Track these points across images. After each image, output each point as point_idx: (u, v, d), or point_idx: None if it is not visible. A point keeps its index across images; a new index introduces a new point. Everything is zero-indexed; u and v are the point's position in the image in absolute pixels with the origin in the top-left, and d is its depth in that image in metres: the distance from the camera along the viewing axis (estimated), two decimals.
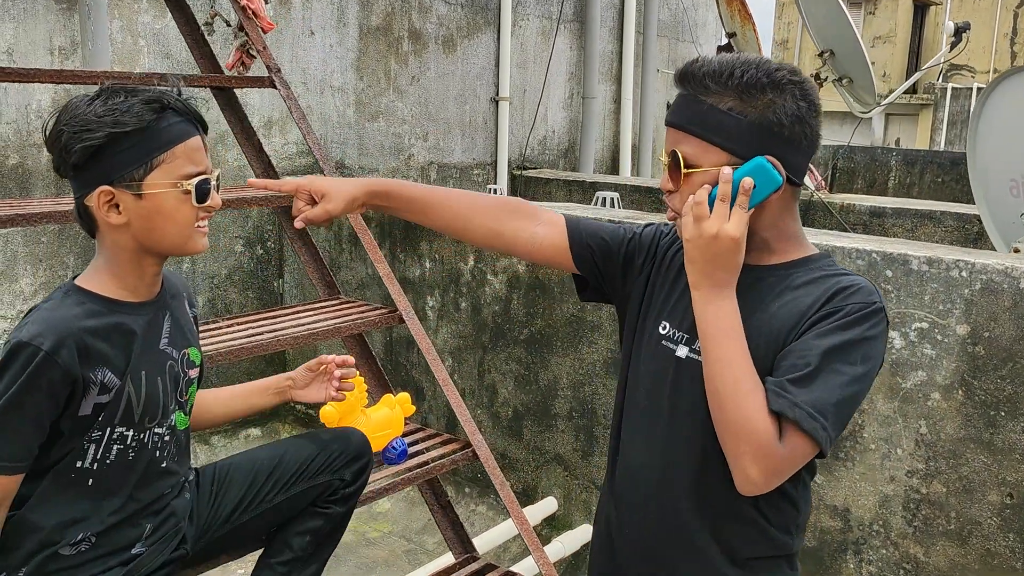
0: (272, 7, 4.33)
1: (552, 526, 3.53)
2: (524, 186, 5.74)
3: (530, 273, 3.50)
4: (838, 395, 1.22)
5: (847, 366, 1.23)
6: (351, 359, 1.83)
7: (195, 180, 1.42)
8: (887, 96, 5.30)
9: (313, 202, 1.48)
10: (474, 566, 2.30)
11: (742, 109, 1.26)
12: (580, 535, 3.31)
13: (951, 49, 4.54)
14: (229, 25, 2.82)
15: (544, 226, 1.53)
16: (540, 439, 3.57)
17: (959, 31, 4.49)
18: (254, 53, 2.76)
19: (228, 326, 2.32)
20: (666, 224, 1.52)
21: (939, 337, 2.55)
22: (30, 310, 1.43)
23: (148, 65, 3.87)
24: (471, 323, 3.73)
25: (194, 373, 1.58)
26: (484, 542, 3.04)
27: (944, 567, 2.60)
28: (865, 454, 2.73)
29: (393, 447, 2.23)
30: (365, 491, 2.08)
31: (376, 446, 2.21)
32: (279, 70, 2.68)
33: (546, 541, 3.31)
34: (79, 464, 1.42)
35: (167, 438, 1.52)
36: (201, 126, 1.46)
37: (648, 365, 1.43)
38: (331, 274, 2.68)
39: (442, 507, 2.46)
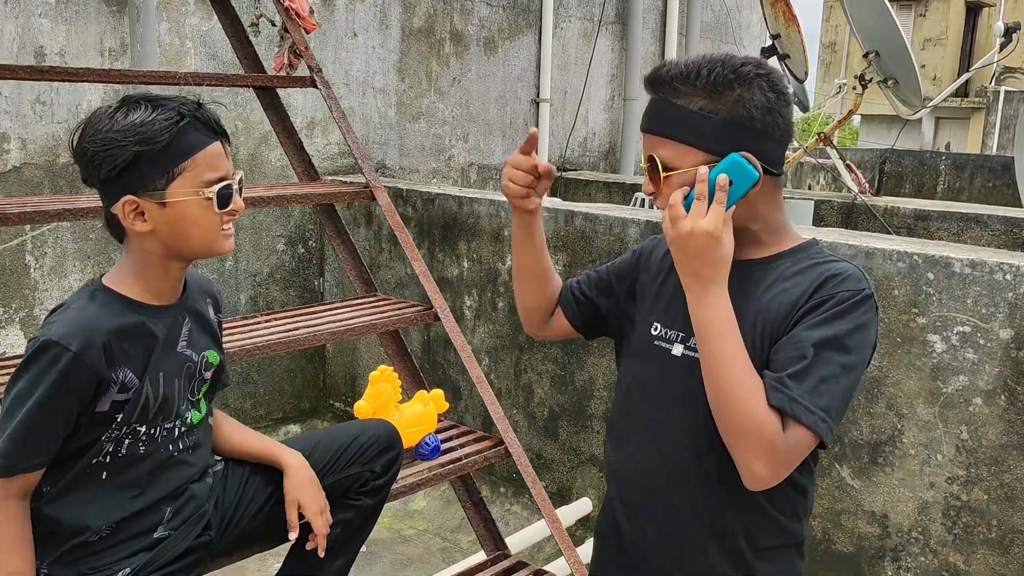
0: (316, 9, 4.39)
1: (586, 527, 3.53)
2: (564, 187, 5.74)
3: (567, 273, 3.50)
4: (834, 386, 1.23)
5: (841, 355, 1.24)
6: None
7: (216, 187, 1.46)
8: (934, 99, 5.20)
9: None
10: (505, 563, 2.31)
11: (712, 107, 1.27)
12: None
13: (1001, 50, 4.44)
14: (274, 26, 2.87)
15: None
16: (575, 440, 3.57)
17: (1009, 31, 4.40)
18: (299, 52, 2.80)
19: (266, 321, 2.36)
20: (651, 239, 1.57)
21: (981, 341, 2.50)
22: (56, 307, 1.47)
23: (195, 66, 3.95)
24: (508, 323, 3.74)
25: (209, 374, 1.62)
26: (517, 541, 3.04)
27: None
28: (904, 459, 2.69)
29: (426, 443, 2.26)
30: (397, 485, 2.11)
31: (409, 442, 2.23)
32: (320, 70, 2.72)
33: (580, 542, 3.30)
34: (94, 460, 1.46)
35: (180, 431, 1.55)
36: (221, 132, 1.49)
37: (644, 368, 1.45)
38: (368, 272, 2.71)
39: (475, 504, 2.47)
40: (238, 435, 1.75)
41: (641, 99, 6.32)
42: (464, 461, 2.30)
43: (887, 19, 4.28)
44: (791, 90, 1.34)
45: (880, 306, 2.68)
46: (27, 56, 3.45)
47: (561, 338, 1.64)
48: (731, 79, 1.27)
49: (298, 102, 4.32)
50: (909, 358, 2.65)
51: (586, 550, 3.16)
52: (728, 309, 1.27)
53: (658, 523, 1.45)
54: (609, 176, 5.86)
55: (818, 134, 4.98)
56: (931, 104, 4.97)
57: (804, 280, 1.30)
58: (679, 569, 1.43)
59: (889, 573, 2.74)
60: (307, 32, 2.79)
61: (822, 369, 1.23)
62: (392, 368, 2.16)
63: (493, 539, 2.46)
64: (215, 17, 2.94)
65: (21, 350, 3.44)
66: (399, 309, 2.52)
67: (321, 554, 1.72)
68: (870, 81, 4.54)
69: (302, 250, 4.45)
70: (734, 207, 1.26)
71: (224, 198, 1.47)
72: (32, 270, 3.56)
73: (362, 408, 2.12)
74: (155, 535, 1.52)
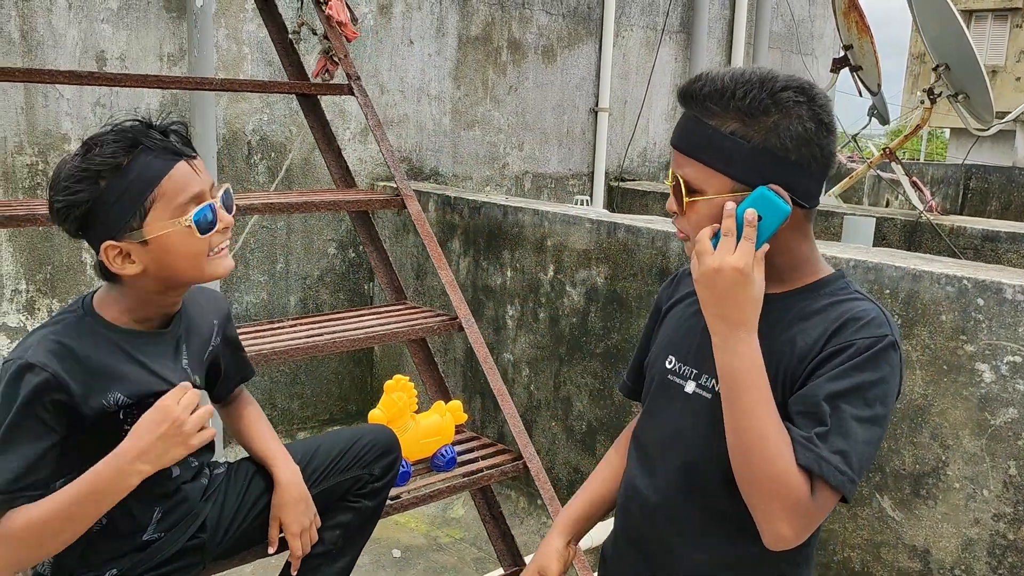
0: (373, 16, 4.44)
1: None
2: (621, 197, 5.68)
3: (608, 287, 3.45)
4: (861, 443, 1.17)
5: (865, 410, 1.17)
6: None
7: (192, 212, 1.39)
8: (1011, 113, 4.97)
9: None
10: None
11: (745, 133, 1.19)
12: None
13: None
14: (315, 34, 2.90)
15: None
16: None
17: None
18: (338, 60, 2.83)
19: (291, 326, 2.38)
20: (672, 277, 1.51)
21: None
22: (43, 325, 1.43)
23: (251, 71, 4.02)
24: (549, 334, 3.71)
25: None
26: None
27: None
28: (948, 493, 2.56)
29: (441, 454, 2.24)
30: (410, 495, 2.11)
31: (424, 452, 2.23)
32: (358, 78, 2.74)
33: None
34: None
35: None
36: (183, 151, 1.40)
37: (655, 400, 1.40)
38: (399, 280, 2.71)
39: (494, 517, 2.45)
40: (249, 433, 1.76)
41: None
42: (480, 474, 2.27)
43: (957, 31, 4.11)
44: (833, 120, 1.24)
45: (927, 332, 2.56)
46: (89, 60, 3.57)
47: None
48: (768, 104, 1.18)
49: (353, 108, 4.37)
50: (956, 387, 2.52)
51: None
52: (757, 356, 1.18)
53: (651, 555, 1.41)
54: (667, 187, 5.77)
55: (884, 149, 4.81)
56: (1008, 119, 4.75)
57: (823, 322, 1.22)
58: None
59: None
60: (348, 40, 2.81)
61: (847, 426, 1.16)
62: (408, 378, 2.15)
63: (511, 554, 2.43)
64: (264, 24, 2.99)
65: None
66: (425, 317, 2.51)
67: (293, 574, 1.71)
68: (939, 95, 4.36)
69: (352, 254, 4.49)
70: (766, 246, 1.19)
71: (204, 222, 1.41)
72: (88, 267, 3.68)
73: (376, 417, 2.12)
74: (144, 537, 1.52)
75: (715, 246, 1.19)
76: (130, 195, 1.35)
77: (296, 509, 1.68)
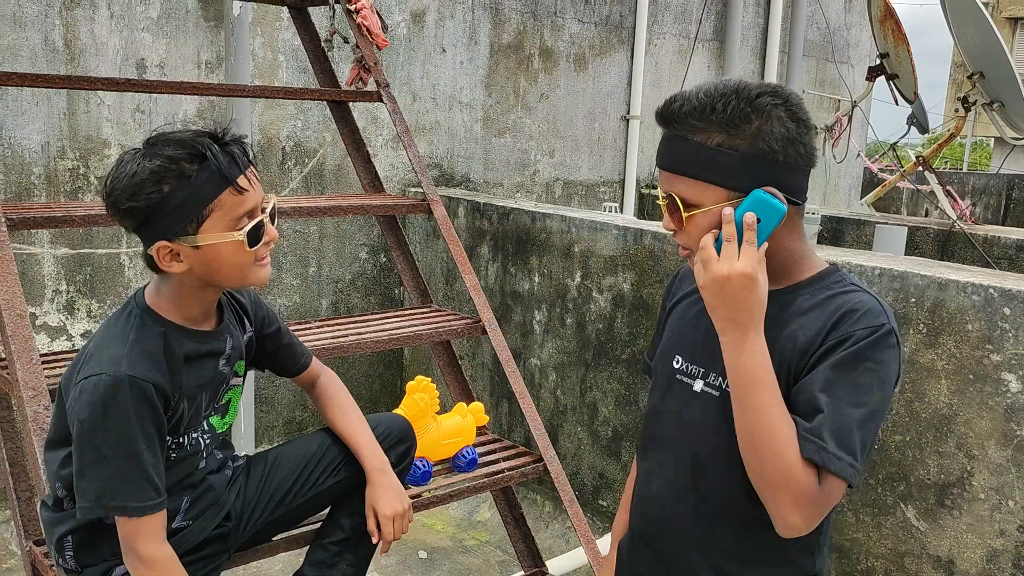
0: (406, 25, 4.50)
1: None
2: (652, 205, 5.69)
3: (635, 292, 3.47)
4: (862, 429, 1.21)
5: (865, 396, 1.21)
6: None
7: (247, 227, 1.46)
8: None
9: None
10: None
11: (731, 143, 1.23)
12: None
13: None
14: (347, 42, 2.96)
15: None
16: None
17: None
18: (369, 67, 2.88)
19: (318, 327, 2.43)
20: (676, 275, 1.56)
21: None
22: (109, 330, 1.49)
23: (286, 79, 4.10)
24: (575, 339, 3.73)
25: (235, 381, 1.67)
26: (557, 566, 3.02)
27: None
28: (973, 504, 2.54)
29: (463, 455, 2.27)
30: (430, 495, 2.15)
31: (446, 453, 2.26)
32: (388, 85, 2.79)
33: None
34: None
35: (205, 439, 1.62)
36: (245, 163, 1.47)
37: (665, 400, 1.44)
38: (425, 284, 2.76)
39: (515, 519, 2.48)
40: (337, 424, 1.82)
41: None
42: (502, 475, 2.30)
43: (992, 40, 4.07)
44: (809, 117, 1.29)
45: (952, 341, 2.55)
46: (130, 67, 3.67)
47: None
48: (748, 112, 1.23)
49: (385, 115, 4.43)
50: (981, 397, 2.51)
51: None
52: (765, 356, 1.23)
53: (667, 552, 1.44)
54: None
55: (917, 158, 4.77)
56: None
57: (821, 315, 1.27)
58: None
59: None
60: (379, 48, 2.87)
61: (848, 414, 1.20)
62: (430, 379, 2.19)
63: (531, 556, 2.46)
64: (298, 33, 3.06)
65: None
66: (449, 321, 2.55)
67: (384, 552, 1.79)
68: (974, 103, 4.32)
69: (384, 259, 4.55)
70: (766, 244, 1.23)
71: (255, 236, 1.48)
72: (127, 269, 3.77)
73: None
74: (173, 524, 1.58)
75: (718, 250, 1.23)
76: (192, 203, 1.42)
77: (387, 496, 1.75)
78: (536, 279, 3.89)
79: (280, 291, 4.23)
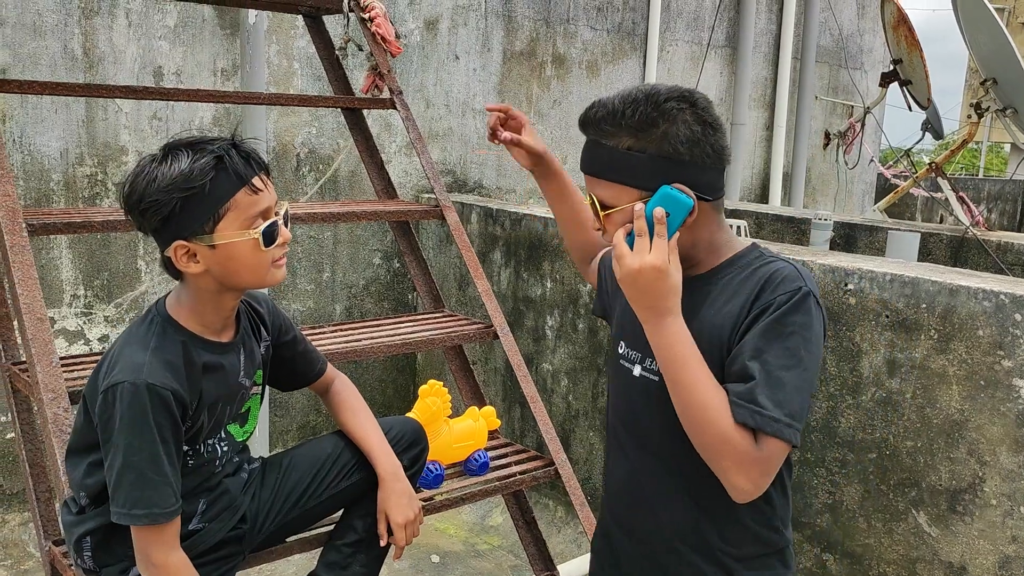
0: (419, 32, 4.54)
1: None
2: None
3: None
4: (791, 389, 1.27)
5: (791, 358, 1.28)
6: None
7: (262, 226, 1.50)
8: None
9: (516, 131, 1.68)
10: None
11: (640, 146, 1.31)
12: None
13: None
14: (361, 50, 2.99)
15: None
16: None
17: None
18: (383, 75, 2.91)
19: (332, 332, 2.46)
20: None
21: None
22: (131, 338, 1.52)
23: (300, 86, 4.15)
24: (587, 344, 3.75)
25: (255, 390, 1.69)
26: (568, 571, 3.03)
27: None
28: (985, 510, 2.54)
29: (475, 459, 2.29)
30: (442, 498, 2.17)
31: (458, 456, 2.28)
32: (401, 92, 2.82)
33: None
34: None
35: (222, 447, 1.64)
36: (260, 167, 1.52)
37: (615, 384, 1.52)
38: (438, 288, 2.78)
39: (527, 523, 2.49)
40: (350, 428, 1.84)
41: (749, 124, 6.23)
42: (513, 479, 2.32)
43: (1005, 46, 4.07)
44: (718, 119, 1.37)
45: (963, 347, 2.55)
46: (147, 75, 3.72)
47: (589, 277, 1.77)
48: (655, 116, 1.30)
49: (399, 122, 4.47)
50: (993, 403, 2.51)
51: None
52: (685, 334, 1.31)
53: (641, 537, 1.50)
54: None
55: (930, 164, 4.77)
56: None
57: (745, 288, 1.35)
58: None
59: None
60: (392, 56, 2.90)
61: (777, 376, 1.27)
62: (442, 383, 2.21)
63: (543, 560, 2.47)
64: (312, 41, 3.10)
65: None
66: (461, 325, 2.58)
67: (397, 558, 1.82)
68: (987, 110, 4.31)
69: (397, 264, 4.59)
70: (677, 235, 1.31)
71: (270, 235, 1.52)
72: (143, 274, 3.82)
73: None
74: (190, 527, 1.60)
75: (630, 245, 1.31)
76: (208, 202, 1.46)
77: (400, 502, 1.78)
78: (548, 284, 3.91)
79: (294, 296, 4.26)
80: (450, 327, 2.54)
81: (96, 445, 1.50)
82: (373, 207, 2.60)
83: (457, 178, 4.83)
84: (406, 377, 4.74)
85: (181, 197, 1.44)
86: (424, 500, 2.09)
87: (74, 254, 3.64)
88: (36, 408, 1.85)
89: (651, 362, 1.42)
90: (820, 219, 4.51)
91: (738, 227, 4.37)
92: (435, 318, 2.64)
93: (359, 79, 3.38)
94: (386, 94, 2.90)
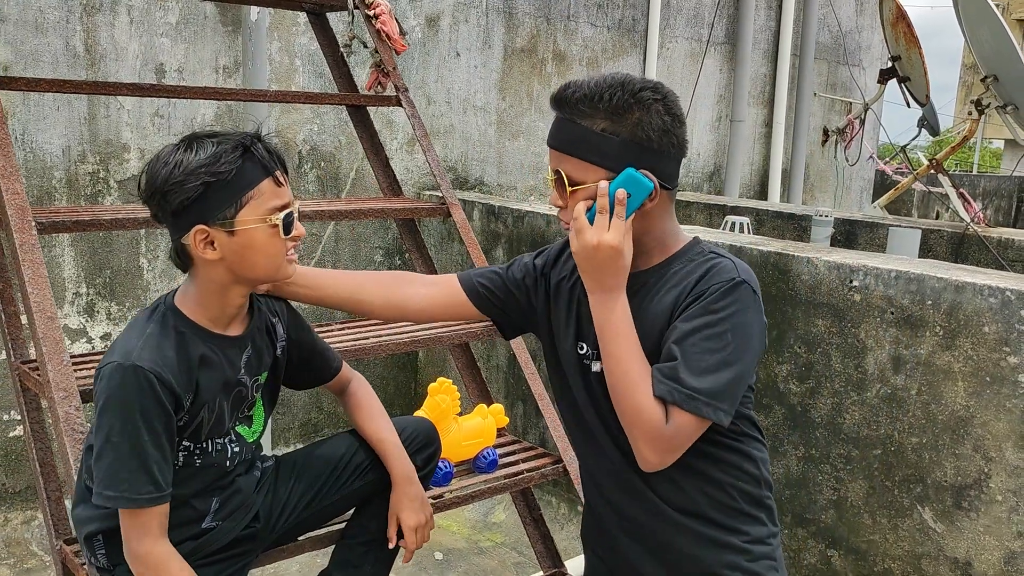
0: (420, 29, 4.53)
1: None
2: None
3: None
4: (715, 371, 1.34)
5: (717, 341, 1.35)
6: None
7: (282, 214, 1.51)
8: None
9: None
10: None
11: (614, 129, 1.38)
12: None
13: None
14: (366, 47, 2.98)
15: (434, 287, 1.74)
16: None
17: None
18: (388, 72, 2.91)
19: (340, 329, 2.46)
20: (552, 247, 1.67)
21: None
22: (133, 326, 1.52)
23: (302, 83, 4.14)
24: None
25: (259, 393, 1.68)
26: (577, 564, 3.03)
27: None
28: (991, 506, 2.55)
29: (484, 456, 2.29)
30: (452, 495, 2.17)
31: (467, 454, 2.28)
32: (407, 90, 2.82)
33: None
34: None
35: (232, 449, 1.63)
36: (281, 163, 1.54)
37: (576, 384, 1.55)
38: None
39: (534, 520, 2.49)
40: (365, 429, 1.84)
41: (748, 120, 6.24)
42: (521, 476, 2.32)
43: (1006, 42, 4.08)
44: (682, 113, 1.43)
45: (969, 343, 2.56)
46: (149, 72, 3.71)
47: (449, 315, 1.77)
48: (631, 103, 1.37)
49: (400, 119, 4.46)
50: (998, 399, 2.52)
51: None
52: (625, 310, 1.39)
53: (627, 517, 1.54)
54: (711, 198, 5.78)
55: (931, 160, 4.78)
56: None
57: (684, 280, 1.42)
58: (659, 563, 1.52)
59: None
60: (397, 53, 2.89)
61: (700, 357, 1.34)
62: (451, 381, 2.21)
63: (551, 556, 2.47)
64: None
65: None
66: (468, 323, 2.57)
67: (407, 561, 1.83)
68: (987, 107, 4.32)
69: (398, 262, 4.58)
70: (634, 216, 1.38)
71: (288, 224, 1.53)
72: (145, 272, 3.81)
73: None
74: (203, 525, 1.60)
75: (590, 220, 1.37)
76: (234, 188, 1.47)
77: (412, 506, 1.79)
78: None
79: None
80: (457, 325, 2.53)
81: None
82: (380, 204, 2.60)
83: (458, 175, 4.82)
84: (407, 375, 4.74)
85: (207, 182, 1.45)
86: (434, 498, 2.09)
87: (76, 252, 3.63)
88: (48, 407, 1.84)
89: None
90: (821, 216, 4.51)
91: (741, 224, 4.37)
92: None
93: (361, 77, 3.38)
94: (391, 91, 2.89)
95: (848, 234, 4.69)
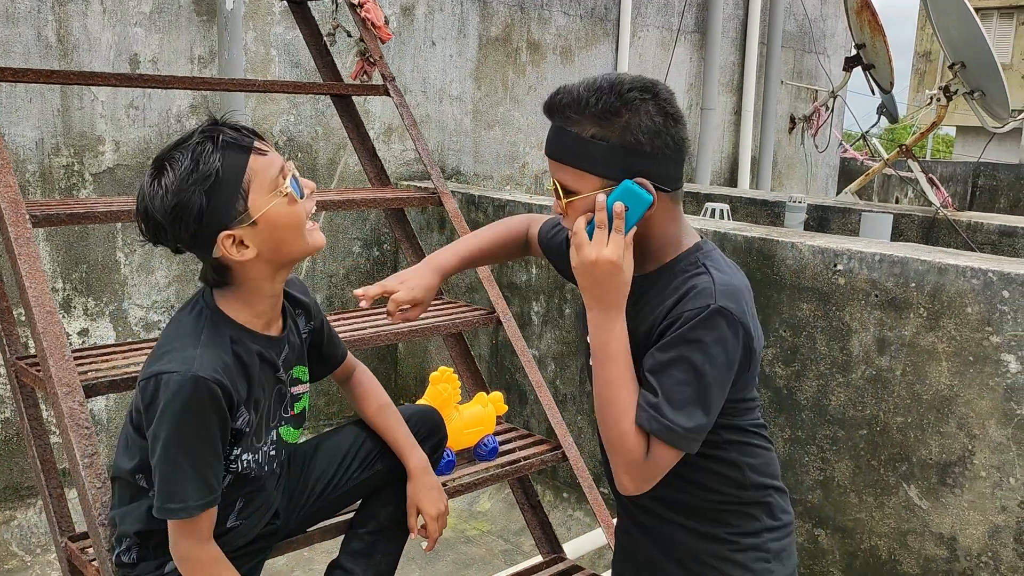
0: (396, 18, 4.50)
1: None
2: None
3: None
4: (692, 404, 1.32)
5: (691, 371, 1.32)
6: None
7: (287, 181, 1.47)
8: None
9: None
10: (560, 567, 2.34)
11: (603, 135, 1.33)
12: None
13: None
14: (350, 36, 2.96)
15: (533, 228, 1.81)
16: None
17: None
18: (374, 61, 2.89)
19: (334, 320, 2.45)
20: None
21: None
22: (179, 329, 1.49)
23: (278, 73, 4.09)
24: (574, 329, 3.77)
25: (297, 389, 1.66)
26: (576, 547, 3.06)
27: None
28: (975, 482, 2.62)
29: (484, 444, 2.30)
30: (455, 483, 2.17)
31: (467, 442, 2.29)
32: (393, 79, 2.80)
33: None
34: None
35: (274, 452, 1.62)
36: (251, 132, 1.49)
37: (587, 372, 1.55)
38: None
39: (532, 507, 2.51)
40: (376, 423, 1.83)
41: (718, 108, 6.30)
42: (521, 463, 2.33)
43: (974, 30, 4.16)
44: (679, 110, 1.37)
45: (952, 324, 2.62)
46: (123, 63, 3.64)
47: (539, 254, 1.82)
48: (618, 106, 1.32)
49: (376, 109, 4.44)
50: (982, 378, 2.58)
51: None
52: (622, 332, 1.36)
53: (642, 518, 1.56)
54: (686, 185, 5.82)
55: (900, 146, 4.86)
56: (1021, 117, 4.80)
57: (667, 297, 1.38)
58: (672, 557, 1.54)
59: None
60: (382, 41, 2.87)
61: (678, 388, 1.32)
62: (452, 370, 2.22)
63: (549, 542, 2.49)
64: (298, 27, 3.05)
65: (111, 341, 3.62)
66: (463, 312, 2.58)
67: (428, 550, 1.85)
68: (955, 93, 4.41)
69: (377, 252, 4.56)
70: (634, 230, 1.35)
71: (297, 187, 1.49)
72: (122, 266, 3.75)
73: None
74: (227, 524, 1.59)
75: (590, 234, 1.35)
76: (230, 183, 1.42)
77: (431, 495, 1.80)
78: (533, 271, 3.92)
79: None
80: (453, 314, 2.54)
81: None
82: (372, 195, 2.58)
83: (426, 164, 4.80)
84: (387, 365, 4.72)
85: (202, 189, 1.40)
86: None
87: (52, 247, 3.56)
88: (49, 402, 1.81)
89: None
90: (794, 202, 4.58)
91: (721, 210, 4.42)
92: (436, 306, 2.64)
93: (340, 66, 3.35)
94: (376, 80, 2.88)
95: (821, 219, 4.76)
